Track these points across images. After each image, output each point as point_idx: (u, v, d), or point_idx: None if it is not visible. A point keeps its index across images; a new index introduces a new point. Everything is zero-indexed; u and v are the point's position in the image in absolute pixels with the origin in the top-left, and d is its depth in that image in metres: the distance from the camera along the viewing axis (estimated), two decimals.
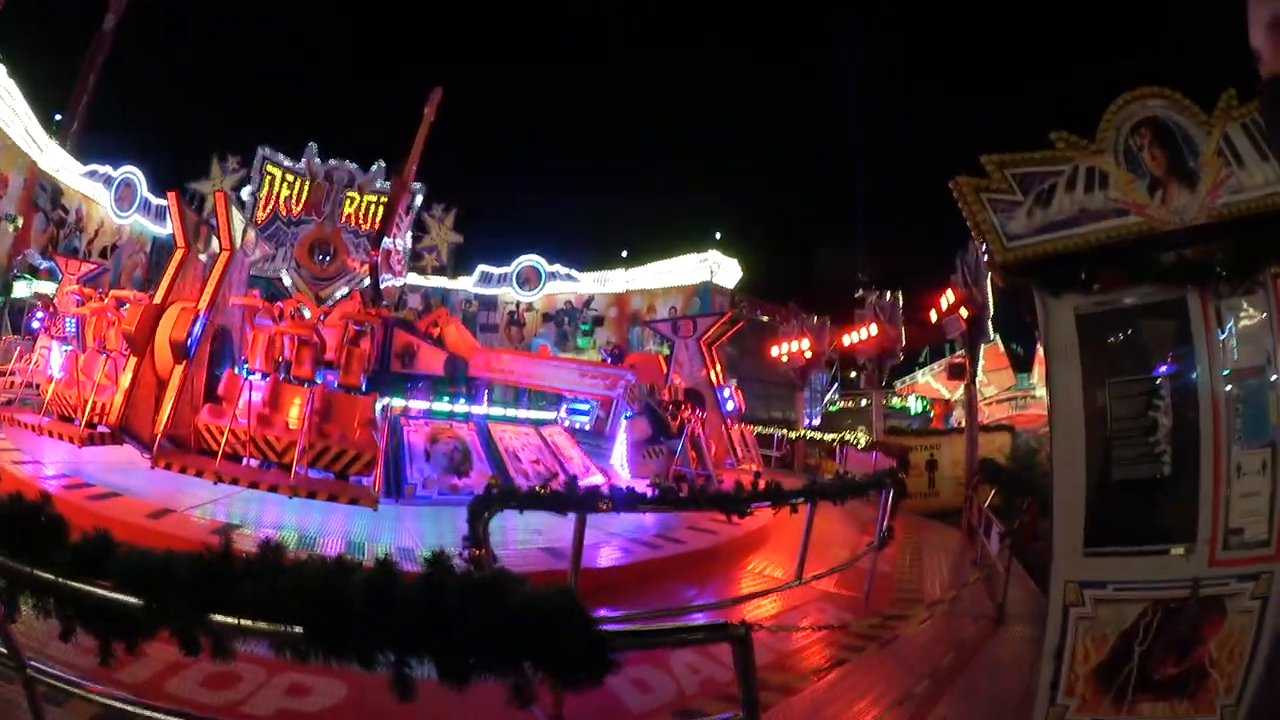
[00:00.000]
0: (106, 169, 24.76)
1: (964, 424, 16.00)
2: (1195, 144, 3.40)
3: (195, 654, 2.06)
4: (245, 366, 10.06)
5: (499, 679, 1.98)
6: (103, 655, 2.10)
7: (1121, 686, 3.19)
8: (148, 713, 2.53)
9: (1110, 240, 3.41)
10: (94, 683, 2.62)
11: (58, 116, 30.72)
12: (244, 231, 11.03)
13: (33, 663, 2.36)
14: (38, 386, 13.36)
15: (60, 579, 2.04)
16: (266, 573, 2.04)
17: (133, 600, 2.00)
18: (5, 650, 2.32)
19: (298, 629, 1.97)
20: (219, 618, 1.99)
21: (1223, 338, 3.34)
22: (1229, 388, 3.32)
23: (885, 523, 7.68)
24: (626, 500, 4.98)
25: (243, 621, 1.99)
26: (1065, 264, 3.55)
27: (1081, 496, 3.48)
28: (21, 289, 20.18)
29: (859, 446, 17.17)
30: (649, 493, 5.34)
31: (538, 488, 4.88)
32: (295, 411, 9.38)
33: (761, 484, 6.17)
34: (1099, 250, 3.44)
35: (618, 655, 2.06)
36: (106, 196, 24.51)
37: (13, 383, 15.72)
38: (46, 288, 19.59)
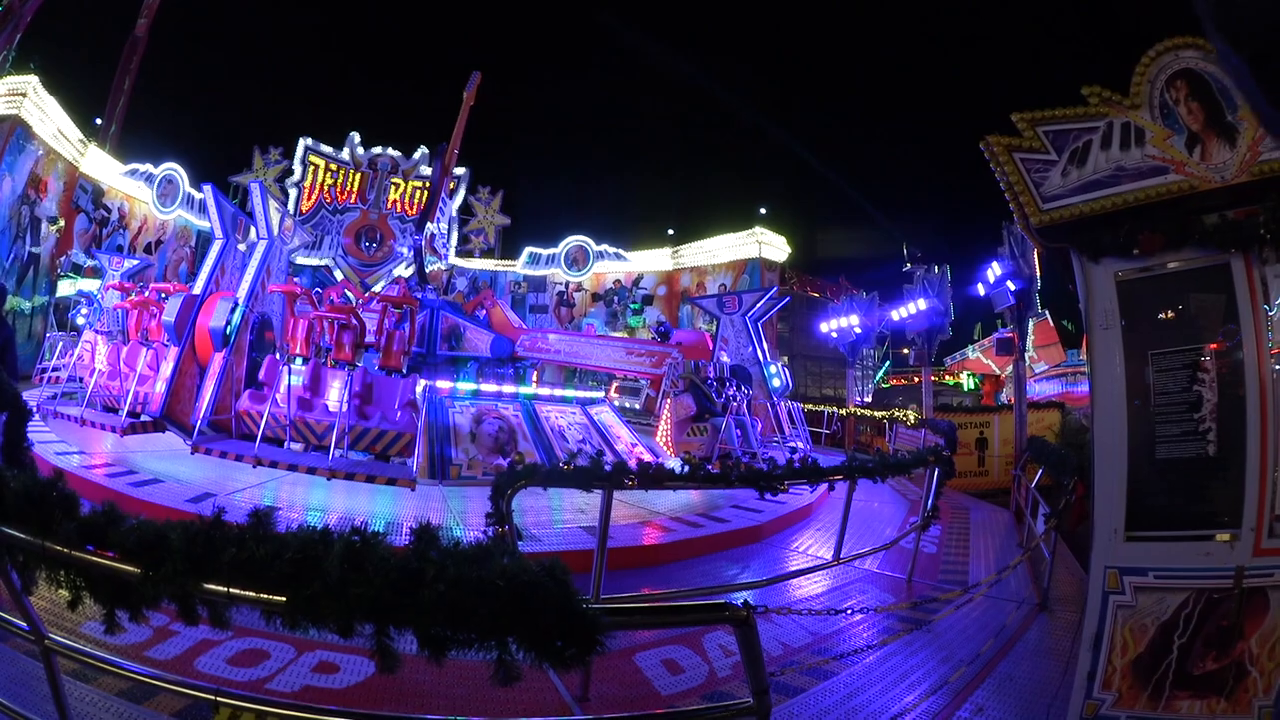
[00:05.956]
0: (147, 167, 24.77)
1: (1013, 401, 15.57)
2: (1233, 97, 3.11)
3: (194, 622, 2.08)
4: (286, 352, 10.21)
5: (481, 652, 1.94)
6: (108, 624, 2.13)
7: (1159, 681, 2.98)
8: (173, 687, 2.58)
9: (1150, 200, 3.16)
10: (124, 659, 2.67)
11: (97, 120, 31.36)
12: (281, 220, 11.19)
13: (53, 636, 2.41)
14: (81, 380, 13.49)
15: (69, 550, 2.08)
16: (249, 541, 2.04)
17: (132, 569, 2.03)
18: (25, 623, 2.37)
19: (280, 597, 1.96)
20: (211, 586, 2.00)
21: (1270, 309, 3.07)
22: (1278, 363, 3.05)
23: (930, 502, 7.47)
24: (651, 476, 4.85)
25: (231, 589, 1.99)
26: (1104, 226, 3.31)
27: (1123, 476, 3.26)
28: (66, 287, 20.56)
29: (909, 424, 16.79)
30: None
31: (562, 464, 4.77)
32: (335, 395, 9.50)
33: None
34: (1138, 211, 3.20)
35: (606, 635, 1.98)
36: (148, 194, 24.62)
37: (57, 378, 16.02)
38: (91, 284, 19.90)
